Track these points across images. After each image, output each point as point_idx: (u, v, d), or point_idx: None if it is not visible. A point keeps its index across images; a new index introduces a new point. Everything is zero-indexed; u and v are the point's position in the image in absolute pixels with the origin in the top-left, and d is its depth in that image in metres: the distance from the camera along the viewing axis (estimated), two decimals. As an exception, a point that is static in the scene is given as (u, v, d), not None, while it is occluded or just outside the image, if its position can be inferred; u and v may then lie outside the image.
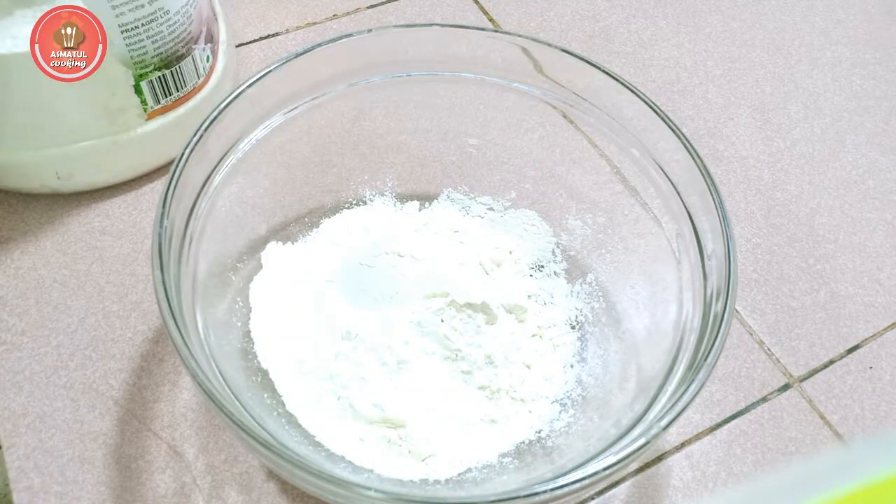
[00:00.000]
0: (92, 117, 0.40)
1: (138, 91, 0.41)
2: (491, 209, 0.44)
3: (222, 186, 0.37)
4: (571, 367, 0.38)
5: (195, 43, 0.42)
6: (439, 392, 0.36)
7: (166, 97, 0.42)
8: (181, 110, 0.43)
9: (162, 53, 0.40)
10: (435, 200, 0.44)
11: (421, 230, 0.42)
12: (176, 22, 0.40)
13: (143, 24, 0.39)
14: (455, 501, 0.32)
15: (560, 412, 0.37)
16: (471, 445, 0.35)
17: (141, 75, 0.40)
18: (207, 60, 0.44)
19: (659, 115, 0.37)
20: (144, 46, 0.40)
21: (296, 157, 0.41)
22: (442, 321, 0.37)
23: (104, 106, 0.40)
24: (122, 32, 0.38)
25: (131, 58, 0.40)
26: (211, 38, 0.44)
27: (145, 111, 0.42)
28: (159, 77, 0.41)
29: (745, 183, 0.49)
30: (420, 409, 0.35)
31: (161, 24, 0.40)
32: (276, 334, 0.37)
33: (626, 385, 0.36)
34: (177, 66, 0.42)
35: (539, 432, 0.36)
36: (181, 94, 0.43)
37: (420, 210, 0.43)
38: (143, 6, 0.38)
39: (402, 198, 0.44)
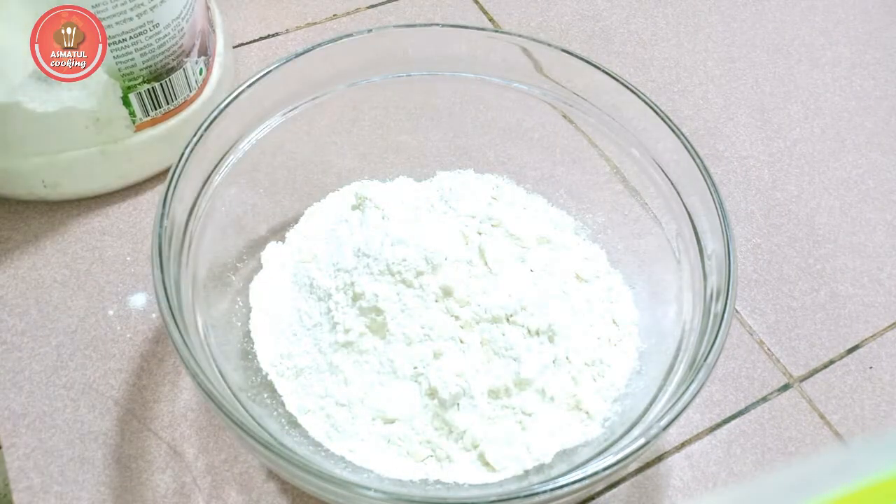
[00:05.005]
0: (79, 127, 0.40)
1: (126, 103, 0.40)
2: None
3: (222, 186, 0.37)
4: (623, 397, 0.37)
5: (187, 56, 0.42)
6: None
7: (156, 109, 0.42)
8: (171, 122, 0.43)
9: (151, 66, 0.40)
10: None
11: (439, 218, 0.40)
12: (166, 35, 0.40)
13: (130, 37, 0.39)
14: (455, 501, 0.32)
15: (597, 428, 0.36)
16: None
17: (129, 87, 0.40)
18: (200, 73, 0.44)
19: (659, 115, 0.37)
20: (132, 59, 0.39)
21: (296, 157, 0.41)
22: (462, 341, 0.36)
23: (91, 117, 0.40)
24: (109, 45, 0.38)
25: (119, 70, 0.39)
26: (205, 51, 0.44)
27: (134, 122, 0.41)
28: (148, 90, 0.41)
29: (745, 183, 0.49)
30: (418, 409, 0.35)
31: (150, 38, 0.39)
32: (276, 334, 0.37)
33: (630, 387, 0.36)
34: (167, 79, 0.41)
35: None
36: (171, 107, 0.42)
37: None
38: (130, 19, 0.38)
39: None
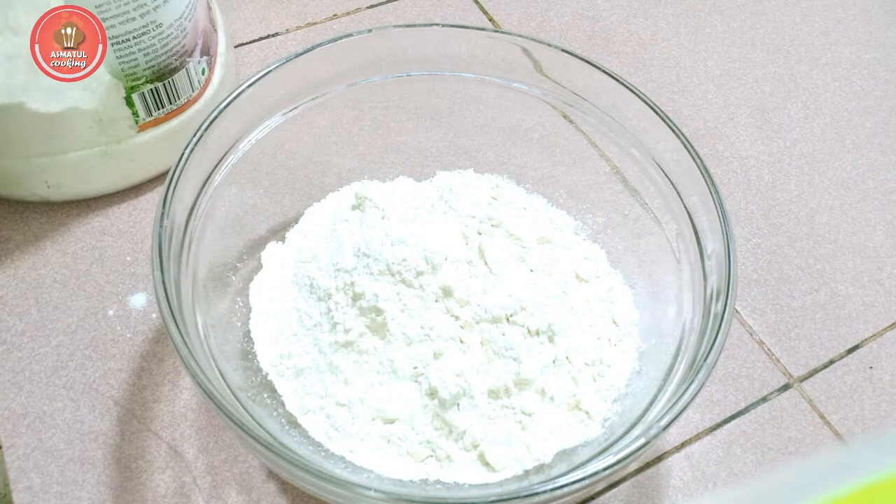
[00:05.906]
0: (82, 128, 0.40)
1: (129, 103, 0.41)
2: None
3: (222, 186, 0.37)
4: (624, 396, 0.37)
5: (190, 56, 0.42)
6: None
7: (159, 109, 0.42)
8: (174, 122, 0.43)
9: (154, 66, 0.40)
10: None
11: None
12: (169, 35, 0.40)
13: (133, 38, 0.39)
14: (455, 501, 0.32)
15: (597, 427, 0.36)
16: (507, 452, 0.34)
17: (132, 87, 0.40)
18: (203, 73, 0.44)
19: (659, 115, 0.37)
20: (136, 59, 0.39)
21: (296, 157, 0.41)
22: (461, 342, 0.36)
23: (94, 117, 0.40)
24: (112, 45, 0.38)
25: (122, 70, 0.39)
26: (208, 51, 0.44)
27: (137, 123, 0.41)
28: (151, 90, 0.41)
29: (745, 183, 0.49)
30: (418, 409, 0.35)
31: (153, 38, 0.39)
32: (276, 334, 0.37)
33: (630, 387, 0.36)
34: (170, 79, 0.41)
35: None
36: (174, 107, 0.43)
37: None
38: (133, 19, 0.38)
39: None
